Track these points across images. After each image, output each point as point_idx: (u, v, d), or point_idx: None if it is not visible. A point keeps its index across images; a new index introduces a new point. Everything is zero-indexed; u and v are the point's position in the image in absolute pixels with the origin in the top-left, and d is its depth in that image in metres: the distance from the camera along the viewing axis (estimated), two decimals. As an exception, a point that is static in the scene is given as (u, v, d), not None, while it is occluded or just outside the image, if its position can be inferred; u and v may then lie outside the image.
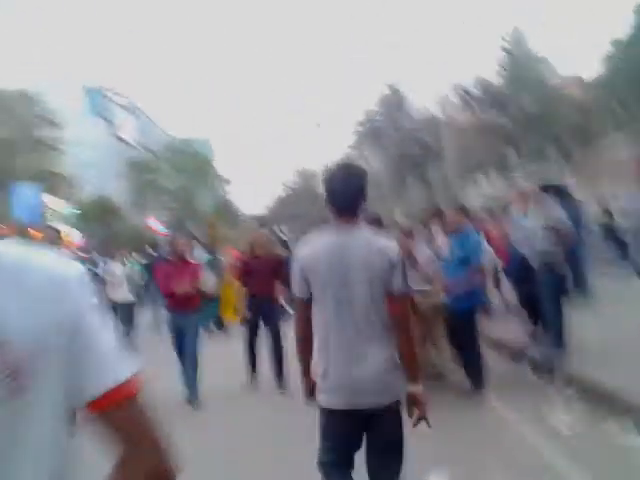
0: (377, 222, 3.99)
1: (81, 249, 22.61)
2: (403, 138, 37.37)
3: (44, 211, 28.02)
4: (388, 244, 2.48)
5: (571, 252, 6.31)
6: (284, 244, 11.20)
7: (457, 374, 5.73)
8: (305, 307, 2.48)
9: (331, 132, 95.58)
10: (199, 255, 10.33)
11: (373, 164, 39.74)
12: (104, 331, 0.98)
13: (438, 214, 6.86)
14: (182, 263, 6.16)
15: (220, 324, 11.35)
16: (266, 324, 6.60)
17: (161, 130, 56.68)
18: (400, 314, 2.40)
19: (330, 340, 2.41)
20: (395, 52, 78.49)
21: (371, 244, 2.42)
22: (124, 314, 9.67)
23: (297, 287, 2.50)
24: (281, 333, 6.53)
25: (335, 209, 2.47)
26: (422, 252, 5.97)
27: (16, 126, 28.00)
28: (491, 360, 6.01)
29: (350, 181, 2.47)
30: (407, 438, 2.54)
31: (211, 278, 9.20)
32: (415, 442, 2.63)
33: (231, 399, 6.27)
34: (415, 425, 2.47)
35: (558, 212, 5.77)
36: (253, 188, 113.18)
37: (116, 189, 40.15)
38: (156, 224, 42.19)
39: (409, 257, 5.77)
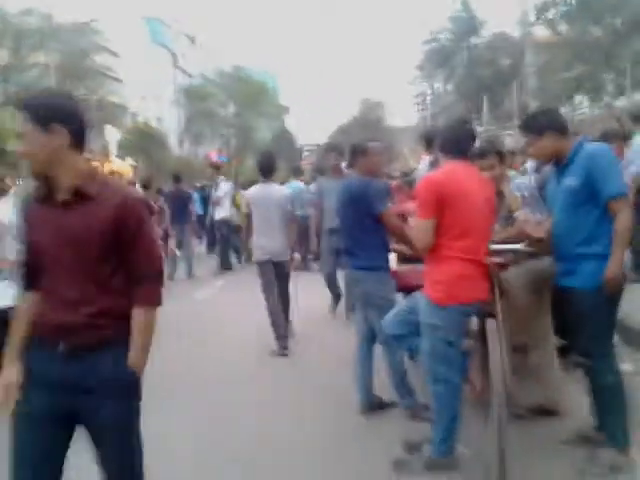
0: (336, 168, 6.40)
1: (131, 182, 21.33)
2: (474, 58, 34.23)
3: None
4: (284, 190, 5.92)
5: None
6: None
7: (576, 403, 3.24)
8: (251, 219, 5.59)
9: (398, 55, 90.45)
10: (226, 187, 10.59)
11: (439, 85, 37.00)
12: None
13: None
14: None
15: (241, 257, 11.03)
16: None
17: (221, 60, 55.07)
18: (289, 220, 5.57)
19: (261, 231, 5.46)
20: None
21: (277, 190, 5.65)
22: None
23: (247, 209, 5.67)
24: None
25: (261, 174, 5.62)
26: (515, 189, 3.86)
27: (73, 55, 27.41)
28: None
29: (267, 161, 5.66)
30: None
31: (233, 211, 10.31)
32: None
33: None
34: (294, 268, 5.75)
35: None
36: (318, 120, 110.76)
37: (172, 118, 39.51)
38: (216, 154, 41.54)
39: (498, 197, 3.43)
